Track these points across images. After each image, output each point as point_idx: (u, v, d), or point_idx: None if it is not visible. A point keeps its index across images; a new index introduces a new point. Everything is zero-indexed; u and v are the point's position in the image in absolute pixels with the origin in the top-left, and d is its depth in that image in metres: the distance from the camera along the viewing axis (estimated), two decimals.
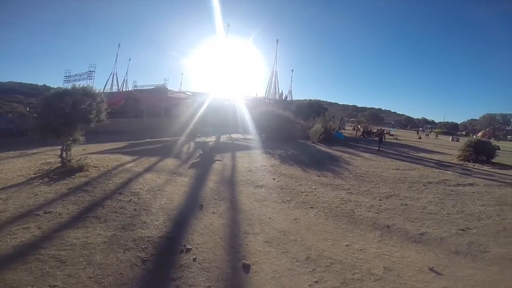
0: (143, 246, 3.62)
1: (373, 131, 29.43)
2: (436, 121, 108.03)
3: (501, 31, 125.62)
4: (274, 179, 7.14)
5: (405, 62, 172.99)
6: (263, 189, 6.38)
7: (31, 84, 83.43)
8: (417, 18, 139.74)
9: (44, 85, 50.89)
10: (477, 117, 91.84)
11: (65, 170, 7.10)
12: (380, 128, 33.49)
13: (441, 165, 11.59)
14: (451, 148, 20.86)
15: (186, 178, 6.98)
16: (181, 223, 4.44)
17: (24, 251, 3.37)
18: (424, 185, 7.88)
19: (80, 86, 7.32)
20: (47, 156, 9.45)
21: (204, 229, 4.26)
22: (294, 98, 52.95)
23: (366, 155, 12.67)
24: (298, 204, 5.66)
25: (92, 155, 9.20)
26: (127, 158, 9.08)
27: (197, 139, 15.51)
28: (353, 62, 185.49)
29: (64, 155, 7.58)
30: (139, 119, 24.91)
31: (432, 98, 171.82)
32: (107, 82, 53.45)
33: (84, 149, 11.11)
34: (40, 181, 6.26)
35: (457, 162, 12.52)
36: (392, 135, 32.00)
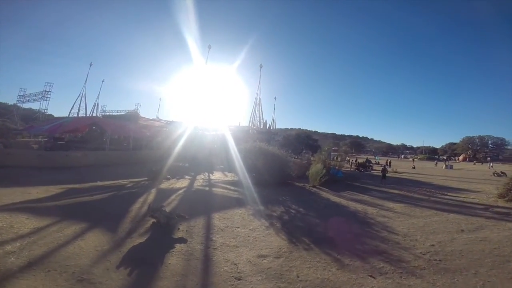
0: None
1: (368, 164, 26.69)
2: (415, 146, 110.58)
3: (475, 54, 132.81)
4: None
5: (381, 88, 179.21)
6: None
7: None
8: (391, 44, 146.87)
9: (14, 104, 44.13)
10: (455, 140, 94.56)
11: None
12: (387, 161, 31.30)
13: (497, 213, 8.71)
14: (464, 181, 18.32)
15: None
16: None
17: None
18: None
19: None
20: None
21: None
22: (277, 127, 50.65)
23: (393, 205, 9.29)
24: None
25: None
26: (28, 225, 5.65)
27: (163, 184, 11.56)
28: (330, 89, 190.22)
29: None
30: (99, 152, 20.23)
31: (410, 124, 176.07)
32: (73, 105, 48.00)
33: None
34: None
35: (508, 205, 9.63)
36: (381, 165, 29.56)
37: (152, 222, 6.09)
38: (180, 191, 10.28)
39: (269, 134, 33.03)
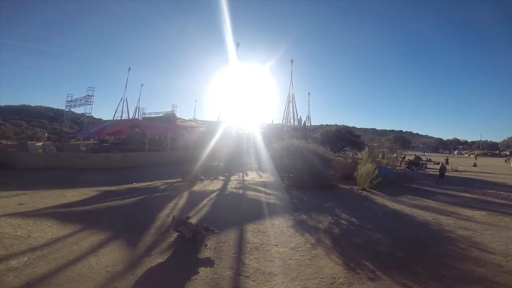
0: None
1: (420, 162, 23.70)
2: (469, 140, 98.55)
3: None
4: None
5: (427, 79, 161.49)
6: None
7: (57, 109, 79.58)
8: (444, 32, 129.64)
9: (69, 110, 48.19)
10: None
11: None
12: (446, 158, 28.22)
13: None
14: None
15: None
16: None
17: None
18: None
19: None
20: None
21: None
22: (312, 123, 48.47)
23: (472, 213, 7.38)
24: None
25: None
26: (48, 234, 5.31)
27: (196, 186, 10.94)
28: (369, 82, 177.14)
29: None
30: (138, 153, 20.66)
31: (463, 116, 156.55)
32: (117, 108, 51.09)
33: (20, 204, 7.50)
34: None
35: None
36: (434, 162, 25.99)
37: (177, 235, 5.23)
38: (213, 195, 9.48)
39: (305, 131, 31.39)
